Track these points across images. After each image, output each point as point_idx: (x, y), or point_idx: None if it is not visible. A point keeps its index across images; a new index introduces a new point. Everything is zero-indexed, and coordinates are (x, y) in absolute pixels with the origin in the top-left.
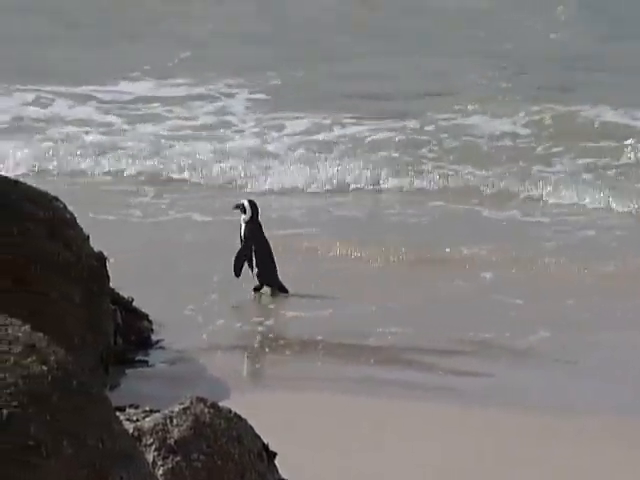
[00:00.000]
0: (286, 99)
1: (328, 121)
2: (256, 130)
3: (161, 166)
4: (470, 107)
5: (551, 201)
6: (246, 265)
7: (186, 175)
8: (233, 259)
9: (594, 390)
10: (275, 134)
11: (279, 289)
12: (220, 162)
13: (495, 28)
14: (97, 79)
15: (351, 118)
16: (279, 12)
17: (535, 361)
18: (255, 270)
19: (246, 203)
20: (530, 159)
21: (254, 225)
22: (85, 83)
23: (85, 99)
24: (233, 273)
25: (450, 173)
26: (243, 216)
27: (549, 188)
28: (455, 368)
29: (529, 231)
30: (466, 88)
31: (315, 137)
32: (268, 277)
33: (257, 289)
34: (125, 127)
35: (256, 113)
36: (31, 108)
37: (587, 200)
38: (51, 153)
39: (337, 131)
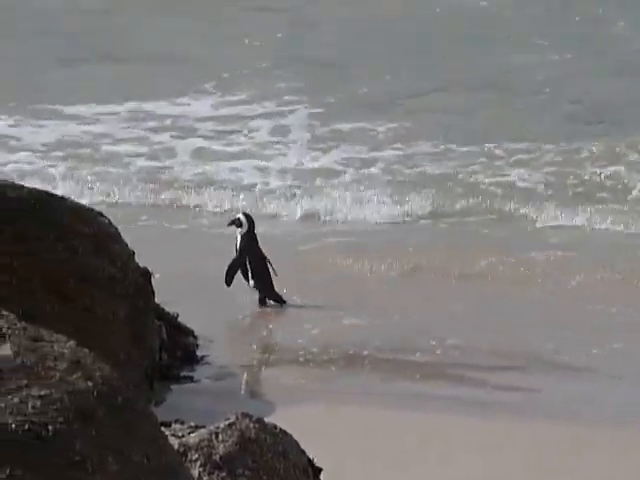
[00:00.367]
0: (344, 115)
1: (386, 138)
2: (311, 150)
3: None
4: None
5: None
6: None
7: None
8: (225, 269)
9: None
10: (332, 154)
11: (274, 301)
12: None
13: (554, 43)
14: (150, 96)
15: (403, 139)
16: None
17: (587, 375)
18: (251, 282)
19: (242, 217)
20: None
21: (250, 237)
22: (139, 100)
23: (139, 117)
24: (224, 282)
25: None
26: (239, 229)
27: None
28: (502, 383)
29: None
30: (521, 109)
31: (372, 155)
32: (262, 287)
33: (262, 302)
34: (179, 146)
35: (313, 131)
36: (84, 128)
37: None
38: (110, 181)
39: (395, 151)
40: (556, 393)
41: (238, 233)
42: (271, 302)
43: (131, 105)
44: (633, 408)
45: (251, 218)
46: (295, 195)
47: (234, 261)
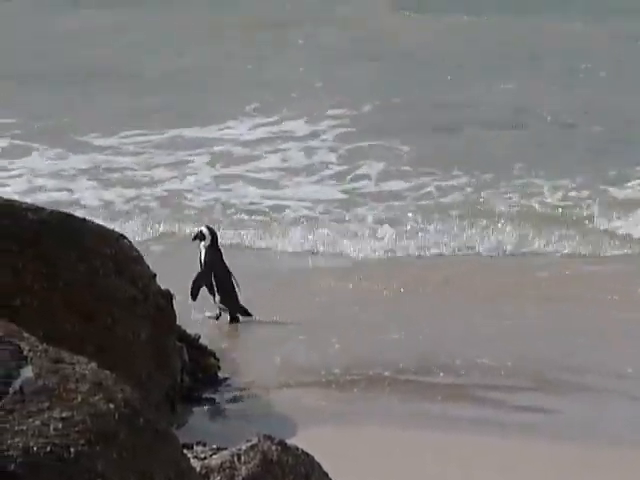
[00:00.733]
0: (373, 136)
1: (409, 165)
2: (335, 177)
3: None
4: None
5: None
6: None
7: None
8: (191, 283)
9: None
10: (354, 182)
11: (241, 313)
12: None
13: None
14: (194, 121)
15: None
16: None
17: (606, 396)
18: (217, 297)
19: (205, 230)
20: None
21: (214, 250)
22: (175, 127)
23: (177, 142)
24: (190, 297)
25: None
26: (202, 242)
27: None
28: (523, 404)
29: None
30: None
31: (394, 184)
32: (228, 302)
33: (233, 319)
34: (205, 170)
35: (339, 158)
36: (120, 158)
37: None
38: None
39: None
40: (576, 414)
41: (202, 246)
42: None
43: (173, 132)
44: None
45: (213, 231)
46: (315, 221)
47: (199, 275)
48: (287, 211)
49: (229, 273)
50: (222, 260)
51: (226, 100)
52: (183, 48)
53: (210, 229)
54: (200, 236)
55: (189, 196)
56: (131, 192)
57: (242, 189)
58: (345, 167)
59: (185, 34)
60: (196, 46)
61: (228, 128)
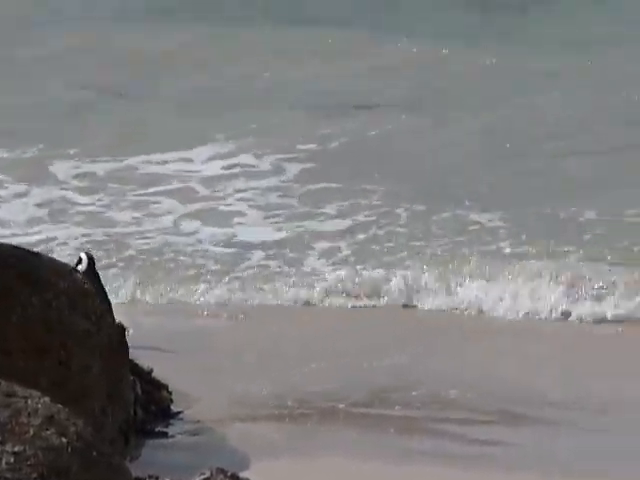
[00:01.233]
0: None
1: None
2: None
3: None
4: None
5: None
6: None
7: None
8: None
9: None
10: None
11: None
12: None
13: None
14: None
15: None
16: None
17: (566, 430)
18: None
19: (82, 255)
20: None
21: (91, 275)
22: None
23: (134, 171)
24: None
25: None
26: (80, 267)
27: None
28: (481, 437)
29: None
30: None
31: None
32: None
33: None
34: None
35: (303, 197)
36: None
37: None
38: None
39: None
40: (531, 445)
41: (80, 270)
42: None
43: (133, 160)
44: (614, 460)
45: (91, 256)
46: (271, 265)
47: None
48: (242, 252)
49: (105, 294)
50: (100, 283)
51: (197, 125)
52: (166, 69)
53: (88, 254)
54: (79, 261)
55: (139, 238)
56: (80, 230)
57: (197, 230)
58: (308, 207)
59: (169, 55)
60: (182, 68)
61: (185, 161)
